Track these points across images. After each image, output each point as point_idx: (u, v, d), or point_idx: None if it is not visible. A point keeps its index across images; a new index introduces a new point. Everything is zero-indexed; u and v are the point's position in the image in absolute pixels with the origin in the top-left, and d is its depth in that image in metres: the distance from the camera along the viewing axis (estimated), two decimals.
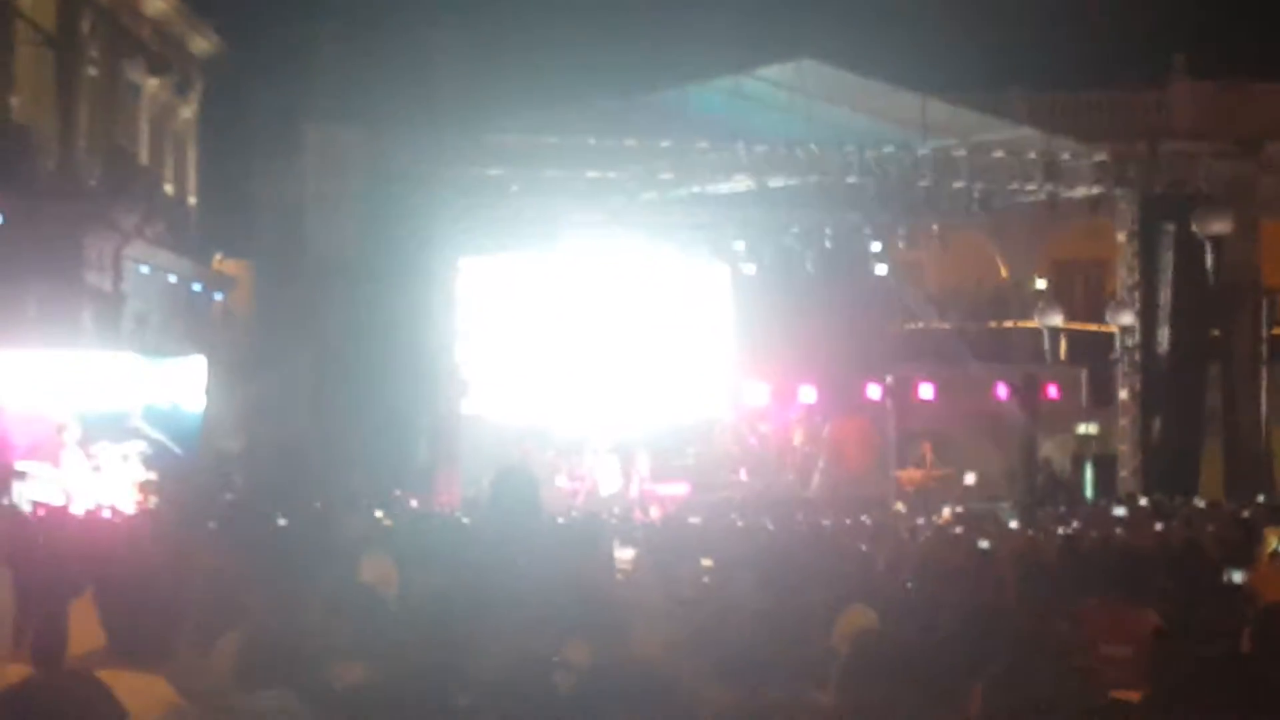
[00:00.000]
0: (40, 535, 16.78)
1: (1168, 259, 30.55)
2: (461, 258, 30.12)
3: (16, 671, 5.38)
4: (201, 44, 31.97)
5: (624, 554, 14.89)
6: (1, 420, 23.57)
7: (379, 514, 20.31)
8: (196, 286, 31.53)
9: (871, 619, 7.46)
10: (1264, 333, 33.73)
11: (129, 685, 4.78)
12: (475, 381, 30.48)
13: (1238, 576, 11.76)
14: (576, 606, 6.89)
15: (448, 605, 6.64)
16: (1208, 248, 30.00)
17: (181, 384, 25.75)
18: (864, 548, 16.50)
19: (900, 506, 28.82)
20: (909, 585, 12.18)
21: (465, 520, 18.52)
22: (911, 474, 31.81)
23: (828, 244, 31.25)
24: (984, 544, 15.71)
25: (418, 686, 5.50)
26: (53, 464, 23.59)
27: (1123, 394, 31.21)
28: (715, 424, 33.04)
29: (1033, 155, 29.48)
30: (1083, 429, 34.23)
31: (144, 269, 29.07)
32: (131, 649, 5.38)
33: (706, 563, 13.25)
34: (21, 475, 22.92)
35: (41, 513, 20.30)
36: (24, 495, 22.29)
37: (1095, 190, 30.13)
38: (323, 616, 6.76)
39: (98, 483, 23.67)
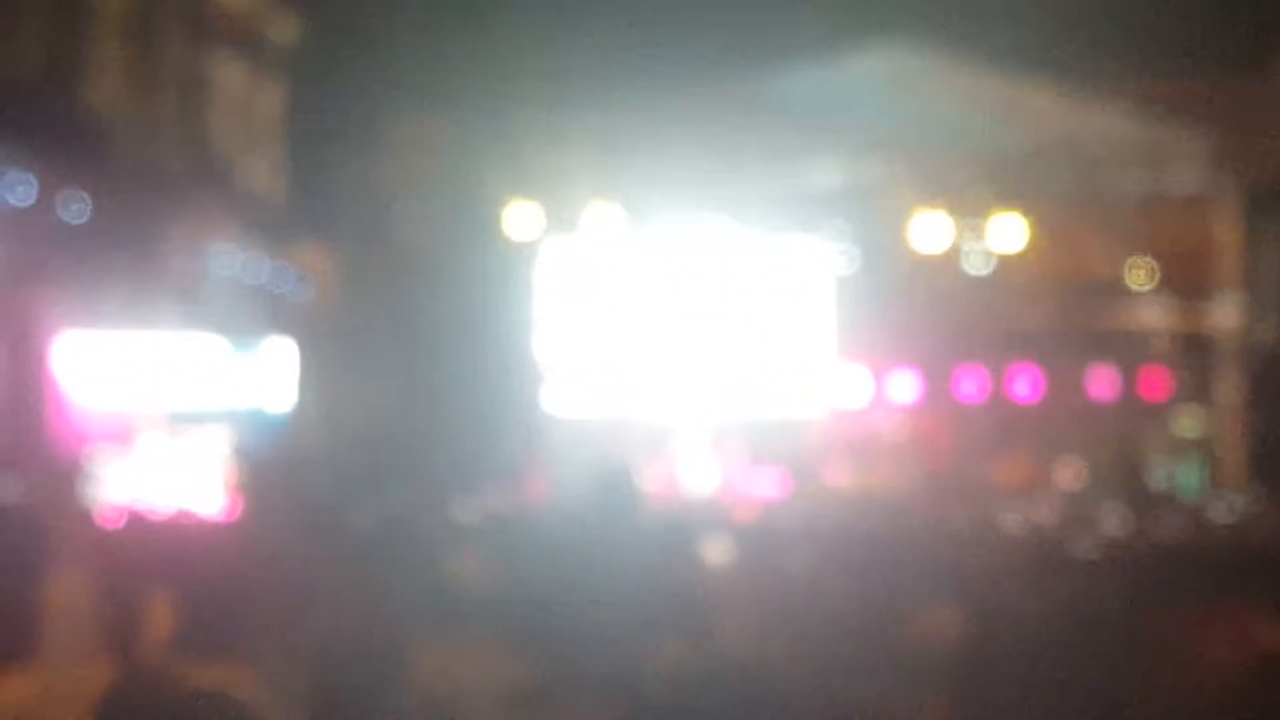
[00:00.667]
0: (116, 530, 16.57)
1: (1273, 251, 30.21)
2: (546, 237, 29.95)
3: (95, 671, 5.22)
4: (283, 31, 31.89)
5: (714, 551, 14.56)
6: (78, 411, 23.54)
7: (467, 510, 20.03)
8: (279, 276, 31.42)
9: (959, 621, 7.23)
10: None
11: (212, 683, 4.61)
12: (561, 373, 30.27)
13: None
14: (667, 604, 6.84)
15: (538, 604, 6.55)
16: None
17: (262, 375, 25.86)
18: (958, 547, 16.06)
19: (996, 505, 28.36)
20: (1003, 586, 11.81)
21: (557, 518, 18.23)
22: (1007, 471, 31.37)
23: (921, 237, 30.99)
24: (1083, 544, 15.31)
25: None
26: (130, 453, 23.56)
27: (1226, 389, 30.83)
28: (809, 419, 32.71)
29: (1134, 145, 29.19)
30: (1185, 424, 33.60)
31: (225, 259, 29.03)
32: (209, 647, 5.21)
33: (798, 561, 12.94)
34: (97, 464, 22.86)
35: (117, 505, 20.15)
36: (99, 486, 22.19)
37: (1198, 181, 29.79)
38: (411, 615, 6.62)
39: (176, 473, 23.63)
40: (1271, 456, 29.87)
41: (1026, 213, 31.49)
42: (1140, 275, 34.89)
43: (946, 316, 31.72)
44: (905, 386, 31.73)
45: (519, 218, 28.59)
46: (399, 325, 29.00)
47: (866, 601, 8.50)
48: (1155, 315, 33.40)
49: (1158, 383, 32.45)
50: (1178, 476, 33.37)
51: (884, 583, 9.55)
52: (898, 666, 6.41)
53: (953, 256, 31.57)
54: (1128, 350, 33.52)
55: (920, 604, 7.83)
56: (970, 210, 31.02)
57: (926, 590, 8.92)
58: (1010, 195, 30.63)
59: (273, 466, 24.49)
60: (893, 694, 5.74)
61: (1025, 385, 31.52)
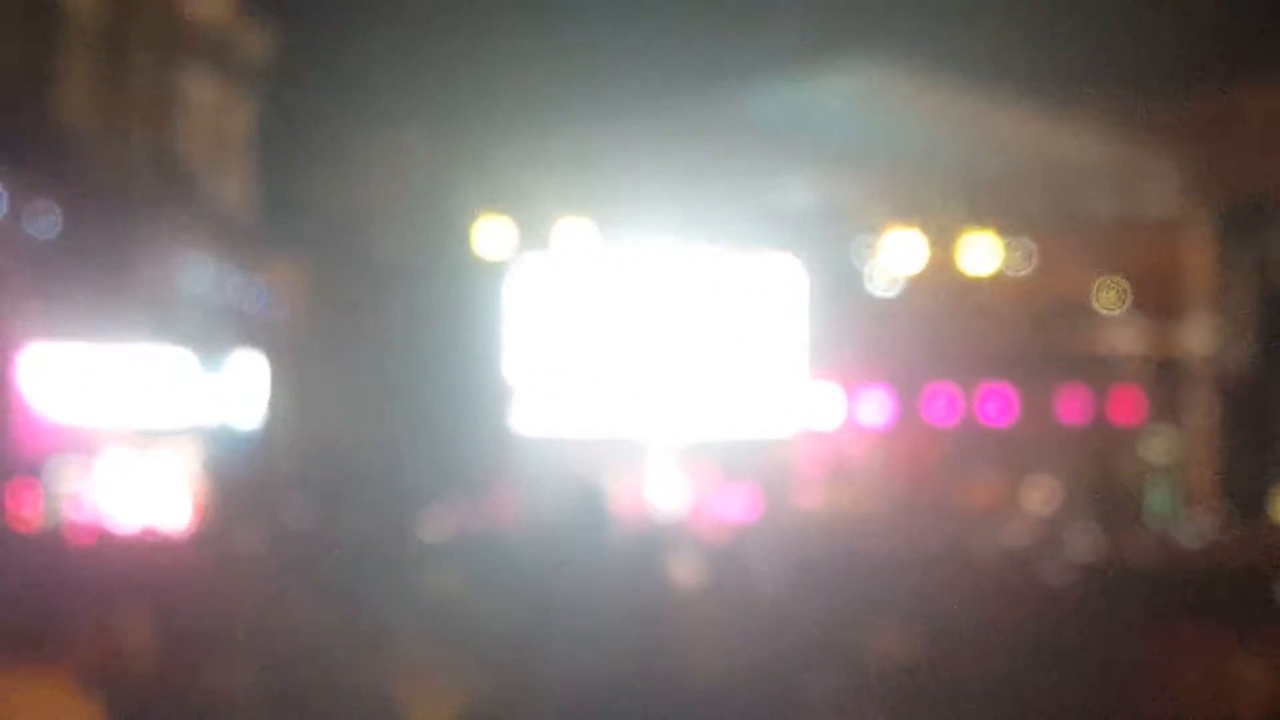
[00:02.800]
0: (82, 545, 16.47)
1: (1245, 271, 30.17)
2: (518, 255, 29.87)
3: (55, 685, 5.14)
4: (256, 45, 31.80)
5: (683, 572, 14.47)
6: (45, 424, 23.39)
7: (437, 528, 19.93)
8: (249, 292, 31.30)
9: (929, 643, 7.20)
10: None
11: None
12: (532, 391, 30.13)
13: None
14: (635, 625, 6.81)
15: (507, 622, 6.65)
16: None
17: (231, 390, 25.71)
18: (928, 570, 15.99)
19: (965, 525, 28.31)
20: (972, 609, 11.75)
21: (526, 537, 18.14)
22: (977, 491, 31.31)
23: (891, 257, 30.91)
24: (1053, 567, 15.23)
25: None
26: (97, 468, 23.43)
27: (1197, 410, 30.78)
28: (780, 439, 32.62)
29: (1106, 167, 29.14)
30: (1156, 447, 33.60)
31: (195, 273, 28.91)
32: (175, 660, 5.20)
33: (767, 583, 12.86)
34: (63, 479, 22.75)
35: (84, 521, 20.05)
36: (66, 501, 22.08)
37: (1171, 203, 29.75)
38: (379, 631, 6.58)
39: (143, 489, 23.50)
40: (1242, 479, 29.85)
41: (999, 234, 31.44)
42: (1112, 297, 34.92)
43: (918, 337, 31.65)
44: (877, 407, 31.63)
45: (491, 235, 28.51)
46: (370, 342, 28.89)
47: (835, 623, 8.44)
48: (1127, 337, 33.39)
49: (1129, 405, 32.41)
50: (1149, 499, 33.37)
51: (853, 605, 9.49)
52: (866, 688, 6.37)
53: (925, 277, 31.50)
54: (1100, 372, 33.49)
55: (890, 626, 7.77)
56: (942, 231, 30.95)
57: (897, 613, 8.87)
58: (983, 216, 30.56)
59: (241, 483, 24.39)
60: (861, 715, 5.66)
61: (997, 407, 31.46)
